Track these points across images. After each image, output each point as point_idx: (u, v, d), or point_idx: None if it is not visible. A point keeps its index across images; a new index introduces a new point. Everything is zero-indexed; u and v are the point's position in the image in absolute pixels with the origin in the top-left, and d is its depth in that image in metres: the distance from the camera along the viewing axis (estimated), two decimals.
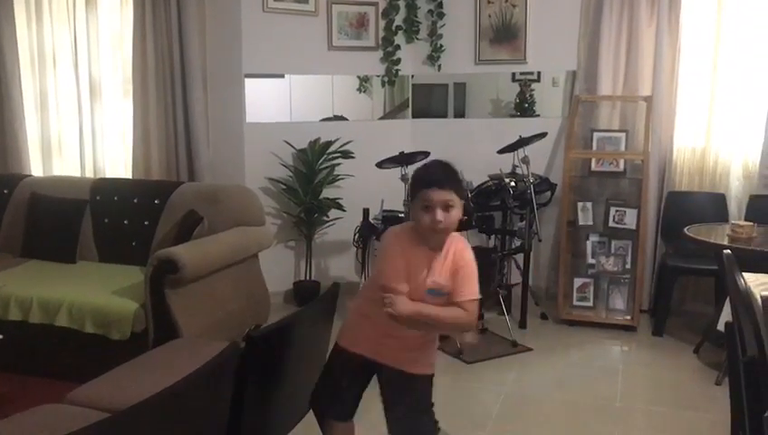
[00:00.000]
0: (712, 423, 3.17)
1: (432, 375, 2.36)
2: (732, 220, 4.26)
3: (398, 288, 2.18)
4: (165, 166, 4.84)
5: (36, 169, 5.06)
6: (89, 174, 5.04)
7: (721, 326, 2.65)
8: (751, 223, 3.84)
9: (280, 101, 5.04)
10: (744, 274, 2.25)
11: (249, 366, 2.26)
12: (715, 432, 3.06)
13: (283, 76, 5.00)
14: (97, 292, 3.58)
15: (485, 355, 4.05)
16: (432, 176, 2.18)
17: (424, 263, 2.23)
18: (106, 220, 4.27)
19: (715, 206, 4.57)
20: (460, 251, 2.25)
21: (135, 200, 4.25)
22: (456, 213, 2.17)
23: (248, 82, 4.83)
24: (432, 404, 2.36)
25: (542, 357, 4.12)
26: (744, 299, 2.11)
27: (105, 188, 4.38)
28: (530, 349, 4.19)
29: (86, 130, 5.03)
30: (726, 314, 2.62)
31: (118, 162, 5.13)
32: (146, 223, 4.16)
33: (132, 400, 1.72)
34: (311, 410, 2.89)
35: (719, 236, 3.91)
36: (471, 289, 2.22)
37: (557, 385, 3.77)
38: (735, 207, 4.58)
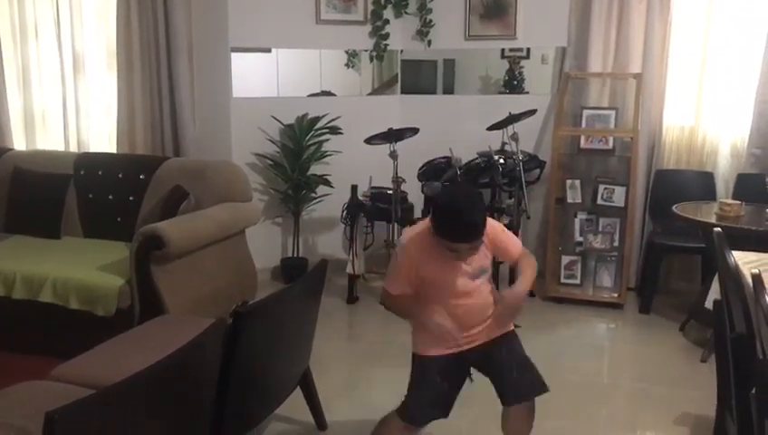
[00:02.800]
0: (697, 400, 3.20)
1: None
2: (720, 199, 4.27)
3: (391, 292, 2.30)
4: (150, 141, 4.78)
5: (19, 143, 4.98)
6: (73, 148, 4.97)
7: (709, 304, 2.66)
8: (738, 202, 3.85)
9: (267, 75, 4.97)
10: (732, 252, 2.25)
11: (236, 342, 2.25)
12: (700, 408, 3.09)
13: (269, 50, 4.93)
14: (82, 268, 3.53)
15: None
16: (460, 233, 2.12)
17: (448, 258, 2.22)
18: (90, 195, 4.22)
19: (703, 184, 4.58)
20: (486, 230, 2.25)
21: (120, 175, 4.19)
22: (480, 245, 2.21)
23: (234, 56, 4.76)
24: None
25: (530, 334, 4.09)
26: (733, 276, 2.11)
27: (89, 163, 4.31)
28: (517, 326, 4.15)
29: (70, 103, 4.95)
30: (715, 292, 2.63)
31: (102, 137, 5.05)
32: (131, 198, 4.11)
33: (118, 376, 1.70)
34: (298, 387, 2.90)
35: (707, 214, 3.92)
36: (516, 246, 2.39)
37: (544, 362, 3.74)
38: (723, 185, 4.59)
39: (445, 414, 2.35)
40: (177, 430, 2.05)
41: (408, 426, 2.37)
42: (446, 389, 2.33)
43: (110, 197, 4.18)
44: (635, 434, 3.04)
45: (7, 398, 2.20)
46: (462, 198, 2.15)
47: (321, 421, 2.96)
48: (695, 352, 3.81)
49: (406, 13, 5.13)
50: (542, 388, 2.31)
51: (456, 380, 2.37)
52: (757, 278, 1.79)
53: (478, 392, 2.41)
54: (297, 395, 2.90)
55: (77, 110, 4.96)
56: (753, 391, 2.10)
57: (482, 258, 2.29)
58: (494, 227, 2.32)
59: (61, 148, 4.98)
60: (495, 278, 4.56)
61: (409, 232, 2.33)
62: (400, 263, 2.30)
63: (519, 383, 2.30)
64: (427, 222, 2.23)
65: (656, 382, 3.51)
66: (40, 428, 1.49)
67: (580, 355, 3.88)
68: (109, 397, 1.66)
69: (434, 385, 2.32)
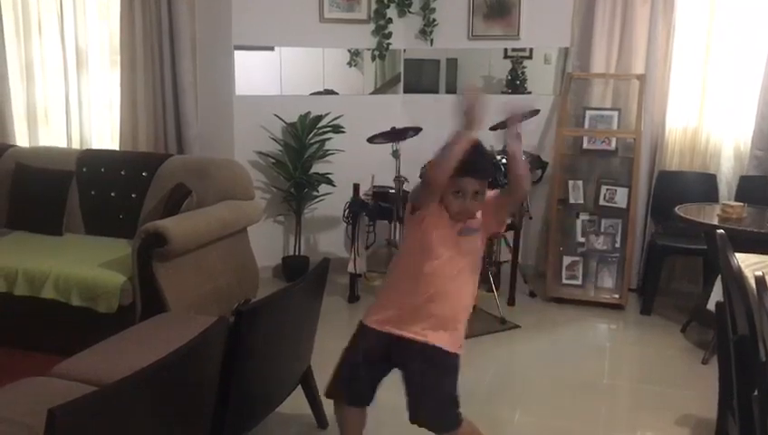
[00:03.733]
0: (699, 401, 3.19)
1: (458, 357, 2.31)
2: (722, 201, 4.27)
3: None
4: (153, 138, 4.78)
5: (22, 139, 4.99)
6: (75, 145, 4.98)
7: (711, 306, 2.66)
8: (741, 203, 3.85)
9: (270, 73, 4.97)
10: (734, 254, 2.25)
11: (238, 340, 2.25)
12: (701, 410, 3.08)
13: (272, 48, 4.93)
14: (84, 264, 3.53)
15: (473, 332, 4.05)
16: (475, 166, 2.15)
17: (451, 227, 2.23)
18: (93, 192, 4.22)
19: (705, 186, 4.58)
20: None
21: (122, 172, 4.20)
22: (482, 199, 2.20)
23: (238, 54, 4.75)
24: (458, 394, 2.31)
25: (531, 335, 4.13)
26: (736, 279, 2.11)
27: (92, 160, 4.32)
28: (518, 326, 4.20)
29: (72, 100, 4.96)
30: (717, 294, 2.62)
31: (105, 134, 5.06)
32: (133, 195, 4.11)
33: (119, 373, 1.70)
34: (299, 386, 2.90)
35: (709, 215, 3.92)
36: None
37: (545, 362, 3.79)
38: (726, 187, 4.58)
39: (360, 398, 2.38)
40: (179, 427, 2.05)
41: (349, 407, 2.43)
42: (364, 370, 2.35)
43: (113, 194, 4.18)
44: None
45: (9, 394, 2.20)
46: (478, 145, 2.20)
47: (321, 420, 2.96)
48: (696, 354, 3.81)
49: (409, 12, 5.13)
50: (445, 428, 2.28)
51: (375, 365, 2.35)
52: (761, 281, 1.79)
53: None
54: (298, 393, 2.90)
55: (80, 106, 4.97)
56: (756, 392, 2.10)
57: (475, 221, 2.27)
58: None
59: (63, 144, 4.99)
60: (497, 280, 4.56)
61: None
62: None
63: (416, 407, 2.29)
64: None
65: (657, 384, 3.51)
66: (42, 424, 1.49)
67: (581, 356, 3.88)
68: (111, 394, 1.66)
69: (355, 359, 2.36)
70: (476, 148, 2.17)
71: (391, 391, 2.37)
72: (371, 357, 2.34)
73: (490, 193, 2.28)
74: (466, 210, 2.18)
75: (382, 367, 2.37)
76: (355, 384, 2.38)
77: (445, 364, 2.28)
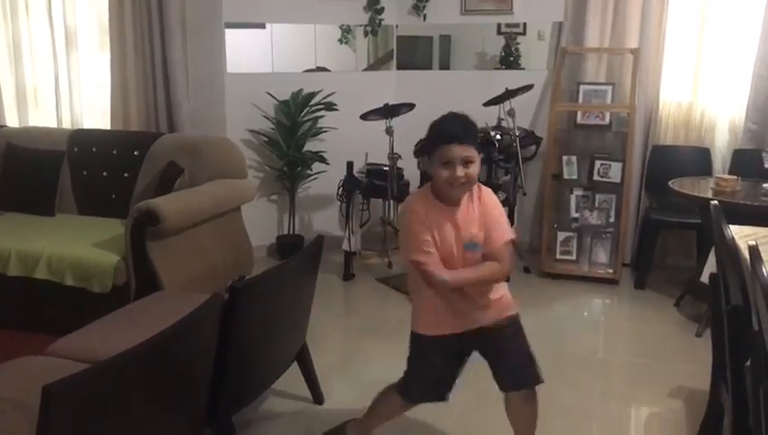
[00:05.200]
0: (692, 374, 3.22)
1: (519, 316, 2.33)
2: (716, 174, 4.27)
3: (424, 260, 2.13)
4: (144, 117, 4.74)
5: (12, 120, 4.95)
6: (66, 125, 4.94)
7: (705, 278, 2.67)
8: (735, 177, 3.85)
9: (261, 51, 4.93)
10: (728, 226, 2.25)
11: (233, 317, 2.25)
12: (694, 382, 3.11)
13: (264, 26, 4.89)
14: (77, 244, 3.52)
15: None
16: (451, 131, 2.11)
17: (448, 221, 2.18)
18: (84, 172, 4.19)
19: (699, 160, 4.58)
20: (483, 196, 2.23)
21: (114, 152, 4.17)
22: (475, 168, 2.13)
23: (229, 31, 4.71)
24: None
25: (525, 310, 4.05)
26: (729, 249, 2.11)
27: (83, 140, 4.29)
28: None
29: (62, 80, 4.91)
30: (711, 266, 2.63)
31: (95, 113, 5.01)
32: (125, 175, 4.09)
33: (114, 351, 1.70)
34: (295, 362, 2.91)
35: (703, 189, 3.92)
36: (500, 233, 2.21)
37: (540, 338, 3.75)
38: (720, 161, 4.59)
39: (442, 396, 2.32)
40: (174, 404, 2.06)
41: (406, 403, 2.38)
42: (444, 371, 2.30)
43: (105, 173, 4.16)
44: (630, 408, 3.06)
45: (4, 374, 2.19)
46: (454, 113, 2.18)
47: (317, 396, 2.97)
48: (690, 327, 3.83)
49: None
50: (538, 379, 2.28)
51: (455, 363, 2.32)
52: (754, 250, 1.79)
53: (474, 377, 2.41)
54: (294, 370, 2.91)
55: (70, 86, 4.92)
56: (748, 363, 2.11)
57: (476, 224, 2.19)
58: (493, 203, 2.25)
59: (54, 124, 4.94)
60: None
61: (409, 199, 2.28)
62: (414, 224, 2.17)
63: (519, 371, 2.27)
64: (422, 189, 2.23)
65: (651, 357, 3.53)
66: (37, 402, 1.49)
67: (575, 331, 3.89)
68: (105, 371, 1.66)
69: (432, 367, 2.29)
70: (455, 115, 2.16)
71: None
72: (448, 355, 2.30)
73: (500, 235, 2.21)
74: (456, 178, 2.09)
75: (460, 359, 2.34)
76: (440, 384, 2.32)
77: (515, 325, 2.31)
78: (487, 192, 2.25)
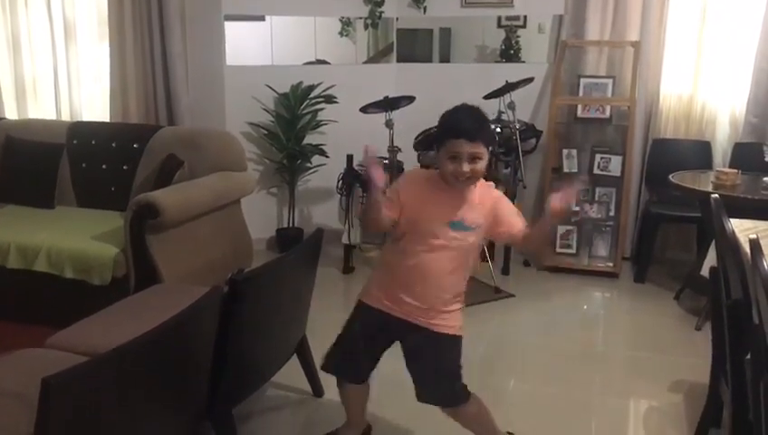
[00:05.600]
0: (692, 367, 3.22)
1: (460, 337, 2.28)
2: (716, 168, 4.26)
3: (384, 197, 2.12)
4: (143, 110, 4.73)
5: (10, 112, 4.93)
6: (65, 117, 4.93)
7: (705, 272, 2.66)
8: (735, 170, 3.84)
9: (261, 43, 4.91)
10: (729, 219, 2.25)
11: (232, 310, 2.24)
12: (694, 376, 3.11)
13: (263, 18, 4.87)
14: (76, 237, 3.52)
15: (467, 301, 4.05)
16: (462, 126, 2.08)
17: (444, 201, 2.16)
18: (84, 165, 4.19)
19: (699, 153, 4.57)
20: (488, 190, 2.22)
21: (113, 144, 4.16)
22: (483, 164, 2.11)
23: (228, 24, 4.69)
24: (461, 367, 2.28)
25: (525, 303, 4.15)
26: (730, 242, 2.11)
27: (82, 132, 4.27)
28: (512, 295, 4.21)
29: (61, 72, 4.91)
30: (711, 260, 2.63)
31: (95, 106, 5.01)
32: (125, 167, 4.08)
33: (113, 343, 1.70)
34: (295, 355, 2.91)
35: (704, 183, 3.91)
36: (519, 219, 2.24)
37: (539, 331, 3.81)
38: (720, 154, 4.58)
39: (357, 374, 2.35)
40: (173, 396, 2.05)
41: (347, 384, 2.41)
42: (360, 343, 2.31)
43: (104, 166, 4.15)
44: (629, 401, 3.06)
45: (3, 366, 2.19)
46: (459, 105, 2.16)
47: (317, 388, 2.97)
48: (689, 321, 3.83)
49: None
50: (449, 403, 2.26)
51: (375, 342, 2.31)
52: (755, 243, 1.79)
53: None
54: (294, 363, 2.91)
55: (69, 78, 4.91)
56: (748, 356, 2.11)
57: (475, 214, 2.17)
58: (500, 194, 2.26)
59: (53, 117, 4.94)
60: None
61: (416, 169, 2.30)
62: (399, 183, 2.25)
63: (427, 388, 2.26)
64: (432, 170, 2.22)
65: (650, 350, 3.53)
66: (37, 394, 1.48)
67: (575, 324, 3.90)
68: (105, 363, 1.66)
69: (352, 334, 2.32)
70: (468, 109, 2.13)
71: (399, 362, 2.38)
72: (370, 331, 2.30)
73: (516, 222, 2.22)
74: (461, 173, 2.08)
75: (381, 341, 2.33)
76: (354, 359, 2.35)
77: (445, 344, 2.25)
78: (491, 186, 2.25)
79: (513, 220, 2.24)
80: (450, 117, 2.13)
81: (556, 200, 2.10)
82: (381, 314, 2.26)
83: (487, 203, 2.21)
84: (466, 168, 2.07)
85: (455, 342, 2.25)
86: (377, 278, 2.35)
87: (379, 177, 2.06)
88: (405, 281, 2.21)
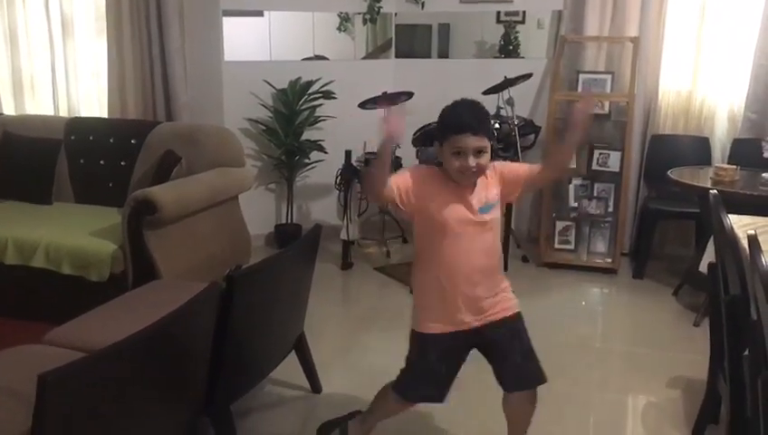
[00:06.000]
0: (690, 363, 3.21)
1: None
2: (715, 164, 4.26)
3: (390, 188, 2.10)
4: (141, 105, 4.72)
5: (8, 108, 4.92)
6: (63, 113, 4.92)
7: (703, 267, 2.66)
8: (734, 166, 3.84)
9: (259, 39, 4.90)
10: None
11: (230, 307, 2.24)
12: (692, 372, 3.11)
13: (261, 14, 4.86)
14: (74, 233, 3.51)
15: None
16: (464, 121, 2.06)
17: (455, 194, 2.14)
18: (82, 160, 4.18)
19: (698, 149, 4.57)
20: (497, 166, 2.22)
21: (111, 140, 4.15)
22: (487, 157, 2.10)
23: (226, 19, 4.68)
24: None
25: (523, 299, 4.04)
26: (728, 238, 2.10)
27: (80, 128, 4.27)
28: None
29: (59, 68, 4.89)
30: (709, 256, 2.63)
31: (92, 101, 5.00)
32: (122, 163, 4.08)
33: (111, 340, 1.69)
34: (293, 351, 2.90)
35: (702, 179, 3.91)
36: (522, 164, 2.28)
37: (537, 327, 3.74)
38: (719, 150, 4.58)
39: (440, 397, 2.27)
40: (171, 393, 2.05)
41: (403, 402, 2.35)
42: (443, 371, 2.24)
43: (102, 162, 4.14)
44: (627, 397, 3.06)
45: (1, 362, 2.19)
46: (461, 99, 2.14)
47: (315, 385, 2.97)
48: (688, 317, 3.83)
49: None
50: (542, 379, 2.25)
51: (455, 361, 2.25)
52: (753, 239, 1.78)
53: (472, 376, 2.40)
54: (292, 359, 2.90)
55: (66, 74, 4.90)
56: (746, 352, 2.10)
57: (488, 189, 2.18)
58: (500, 162, 2.27)
59: (50, 113, 4.92)
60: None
61: (422, 165, 2.25)
62: (407, 174, 2.16)
63: (521, 371, 2.23)
64: (436, 167, 2.19)
65: (649, 346, 3.53)
66: (34, 390, 1.48)
67: (573, 320, 3.89)
68: (101, 360, 1.66)
69: (430, 366, 2.23)
70: (468, 104, 2.12)
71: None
72: (447, 354, 2.23)
73: (524, 166, 2.25)
74: (467, 168, 2.06)
75: (461, 355, 2.29)
76: (439, 384, 2.27)
77: (521, 322, 2.29)
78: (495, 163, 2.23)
79: (521, 170, 2.26)
80: (451, 112, 2.12)
81: (578, 111, 2.16)
82: (452, 334, 2.21)
83: (495, 175, 2.21)
84: (472, 162, 2.06)
85: (520, 319, 2.29)
86: (423, 305, 2.25)
87: (396, 128, 2.05)
88: (450, 298, 2.18)
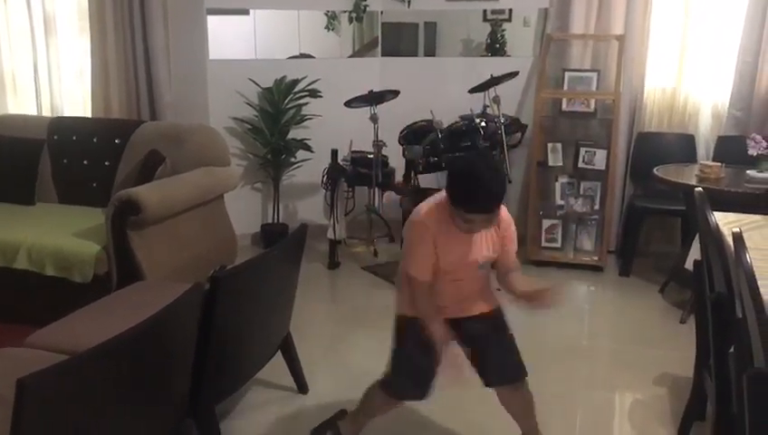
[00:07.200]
0: (677, 360, 3.22)
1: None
2: (700, 161, 4.28)
3: (420, 279, 2.14)
4: (125, 104, 4.67)
5: None
6: (46, 113, 4.86)
7: (689, 265, 2.67)
8: (719, 163, 3.86)
9: (244, 37, 4.87)
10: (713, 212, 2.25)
11: (214, 307, 2.22)
12: (679, 369, 3.12)
13: (247, 12, 4.83)
14: (57, 234, 3.47)
15: None
16: (484, 205, 2.02)
17: (462, 243, 2.15)
18: (65, 160, 4.14)
19: (683, 146, 4.58)
20: (502, 213, 2.18)
21: (95, 140, 4.11)
22: (495, 221, 2.12)
23: (211, 17, 4.65)
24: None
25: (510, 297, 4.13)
26: (713, 236, 2.11)
27: (63, 128, 4.23)
28: (497, 289, 4.19)
29: (41, 67, 4.84)
30: (695, 253, 2.63)
31: (76, 101, 4.94)
32: (106, 163, 4.04)
33: (93, 342, 1.67)
34: (279, 352, 2.89)
35: (688, 176, 3.93)
36: (515, 245, 2.29)
37: (524, 325, 3.75)
38: (704, 147, 4.59)
39: (423, 391, 2.26)
40: (155, 394, 2.03)
41: (388, 399, 2.35)
42: (420, 357, 2.20)
43: (85, 162, 4.10)
44: (614, 394, 3.07)
45: None
46: (482, 166, 2.03)
47: (302, 385, 2.95)
48: (674, 314, 3.85)
49: None
50: (522, 373, 2.29)
51: (433, 351, 2.23)
52: (738, 237, 1.79)
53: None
54: (278, 360, 2.89)
55: (49, 73, 4.84)
56: (732, 350, 2.11)
57: (492, 245, 2.20)
58: (509, 222, 2.25)
59: (33, 112, 4.87)
60: None
61: (423, 207, 2.17)
62: (422, 240, 2.12)
63: (501, 366, 2.27)
64: (439, 196, 2.14)
65: (635, 344, 3.54)
66: (13, 394, 1.45)
67: (560, 318, 3.88)
68: (82, 363, 1.63)
69: (413, 359, 2.23)
70: (491, 183, 2.01)
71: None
72: (425, 340, 2.20)
73: (513, 251, 2.28)
74: (474, 231, 2.11)
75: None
76: (425, 376, 2.25)
77: (503, 317, 2.34)
78: (503, 209, 2.19)
79: (511, 250, 2.28)
80: (474, 186, 2.01)
81: (545, 300, 2.19)
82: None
83: (500, 230, 2.22)
84: (479, 227, 2.09)
85: (501, 314, 2.34)
86: (409, 298, 2.25)
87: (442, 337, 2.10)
88: (448, 303, 2.25)
